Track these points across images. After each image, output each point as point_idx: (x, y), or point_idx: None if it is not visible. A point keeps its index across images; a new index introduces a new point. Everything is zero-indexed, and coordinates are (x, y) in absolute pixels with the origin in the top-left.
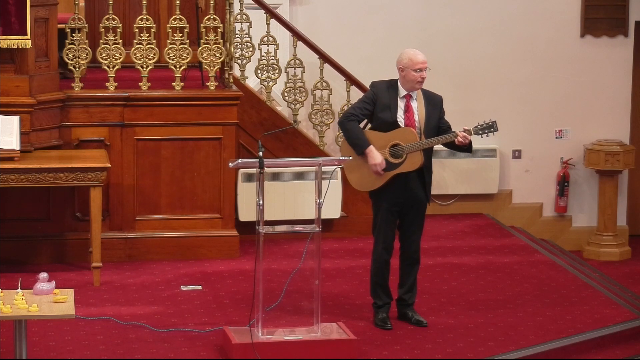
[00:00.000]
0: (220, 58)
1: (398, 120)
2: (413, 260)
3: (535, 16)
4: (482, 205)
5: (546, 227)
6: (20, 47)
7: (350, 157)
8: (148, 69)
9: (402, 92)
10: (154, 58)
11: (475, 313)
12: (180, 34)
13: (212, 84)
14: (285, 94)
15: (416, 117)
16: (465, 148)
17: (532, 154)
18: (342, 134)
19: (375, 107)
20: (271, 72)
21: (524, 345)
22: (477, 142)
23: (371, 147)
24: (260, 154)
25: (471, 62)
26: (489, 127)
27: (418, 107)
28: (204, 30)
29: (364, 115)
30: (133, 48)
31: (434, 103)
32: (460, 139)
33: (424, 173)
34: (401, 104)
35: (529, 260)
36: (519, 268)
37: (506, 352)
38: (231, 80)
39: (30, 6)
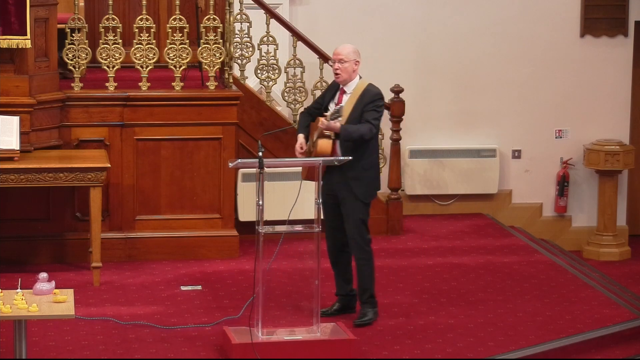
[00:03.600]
0: (220, 58)
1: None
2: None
3: (535, 16)
4: (482, 205)
5: (546, 227)
6: (20, 47)
7: (351, 157)
8: (148, 69)
9: (341, 86)
10: (153, 58)
11: (475, 313)
12: (180, 34)
13: (211, 84)
14: (285, 94)
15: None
16: (341, 137)
17: (531, 154)
18: None
19: (324, 100)
20: (271, 72)
21: (524, 345)
22: (477, 142)
23: (300, 134)
24: (260, 154)
25: (471, 62)
26: (337, 112)
27: (349, 100)
28: (203, 30)
29: (315, 108)
30: (133, 48)
31: (365, 97)
32: (320, 125)
33: (345, 167)
34: (335, 98)
35: (529, 260)
36: (518, 268)
37: (506, 352)
38: (231, 80)
39: (30, 6)
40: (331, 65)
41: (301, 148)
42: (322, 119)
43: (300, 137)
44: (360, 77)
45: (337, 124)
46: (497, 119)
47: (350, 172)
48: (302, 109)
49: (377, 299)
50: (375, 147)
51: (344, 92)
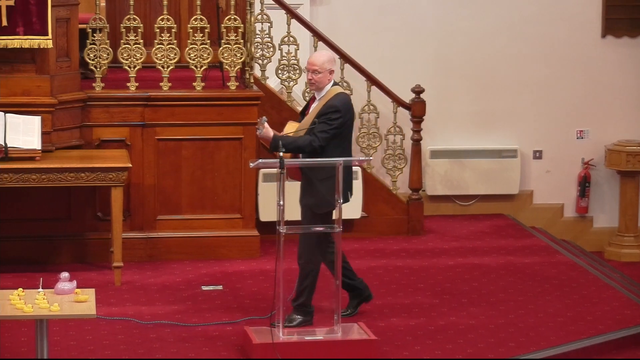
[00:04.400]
0: (241, 58)
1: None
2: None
3: (556, 16)
4: (503, 205)
5: (567, 227)
6: (41, 47)
7: (371, 158)
8: (169, 69)
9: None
10: (174, 58)
11: (496, 314)
12: (201, 34)
13: (232, 84)
14: (306, 94)
15: (305, 118)
16: (270, 148)
17: (553, 154)
18: (361, 134)
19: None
20: (292, 72)
21: (545, 346)
22: (498, 143)
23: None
24: (281, 154)
25: (491, 62)
26: (258, 122)
27: (315, 108)
28: (224, 30)
29: (301, 114)
30: (154, 48)
31: (324, 107)
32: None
33: (304, 176)
34: (309, 105)
35: (550, 261)
36: (539, 269)
37: (527, 353)
38: (252, 81)
39: (52, 6)
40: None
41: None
42: (256, 127)
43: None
44: (336, 84)
45: (269, 133)
46: (517, 120)
47: (305, 182)
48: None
49: (311, 308)
50: (339, 156)
51: (315, 99)
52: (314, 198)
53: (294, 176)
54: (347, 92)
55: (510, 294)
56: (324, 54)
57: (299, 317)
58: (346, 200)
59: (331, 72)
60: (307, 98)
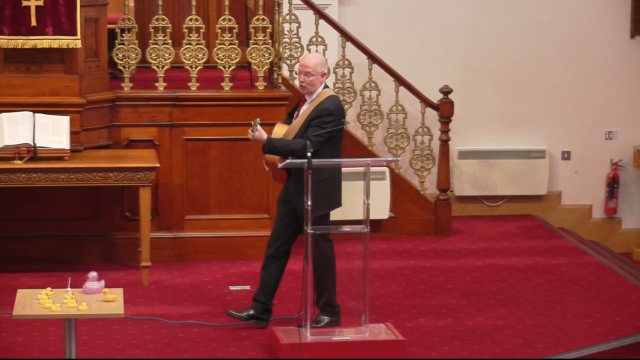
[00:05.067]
0: (269, 58)
1: (293, 121)
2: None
3: (584, 17)
4: (531, 206)
5: (595, 228)
6: (70, 47)
7: (400, 158)
8: (197, 69)
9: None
10: (203, 58)
11: (523, 315)
12: (229, 35)
13: (260, 84)
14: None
15: (295, 121)
16: (264, 150)
17: (581, 155)
18: (389, 134)
19: (293, 109)
20: None
21: (573, 348)
22: (526, 143)
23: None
24: (309, 154)
25: (519, 62)
26: (253, 124)
27: (305, 110)
28: (252, 30)
29: (289, 115)
30: (182, 48)
31: (315, 111)
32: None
33: (298, 178)
34: (299, 107)
35: (578, 262)
36: (568, 270)
37: (555, 354)
38: (280, 81)
39: (81, 6)
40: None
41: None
42: (249, 130)
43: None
44: (326, 87)
45: (262, 136)
46: (546, 120)
47: (300, 184)
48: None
49: (338, 308)
50: (330, 158)
51: (305, 101)
52: (312, 200)
53: (280, 178)
54: (336, 94)
55: (538, 295)
56: (317, 56)
57: (326, 317)
58: (339, 204)
59: (323, 74)
60: None
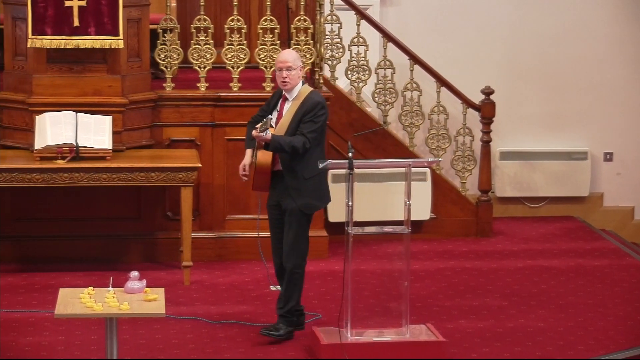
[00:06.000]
0: (310, 59)
1: (272, 120)
2: (284, 270)
3: (628, 16)
4: (572, 208)
5: (637, 230)
6: (112, 47)
7: (441, 159)
8: (239, 69)
9: (284, 94)
10: (244, 59)
11: (564, 316)
12: (271, 35)
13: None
14: (375, 95)
15: (282, 120)
16: (270, 148)
17: (623, 156)
18: (431, 135)
19: (269, 107)
20: (361, 73)
21: (614, 350)
22: (568, 145)
23: (248, 150)
24: (350, 154)
25: (561, 63)
26: (265, 123)
27: (290, 108)
28: (294, 31)
29: (260, 116)
30: (224, 48)
31: (304, 106)
32: (253, 136)
33: (287, 177)
34: (278, 106)
35: (620, 264)
36: (609, 271)
37: (596, 356)
38: (321, 81)
39: (123, 7)
40: (277, 74)
41: (244, 169)
42: (253, 131)
43: (247, 155)
44: (304, 83)
45: (268, 135)
46: (588, 121)
47: (291, 182)
48: (250, 120)
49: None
50: (319, 156)
51: (286, 99)
52: (303, 198)
53: (260, 188)
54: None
55: (579, 297)
56: (292, 51)
57: (284, 326)
58: (329, 200)
59: (302, 68)
60: (377, 100)
